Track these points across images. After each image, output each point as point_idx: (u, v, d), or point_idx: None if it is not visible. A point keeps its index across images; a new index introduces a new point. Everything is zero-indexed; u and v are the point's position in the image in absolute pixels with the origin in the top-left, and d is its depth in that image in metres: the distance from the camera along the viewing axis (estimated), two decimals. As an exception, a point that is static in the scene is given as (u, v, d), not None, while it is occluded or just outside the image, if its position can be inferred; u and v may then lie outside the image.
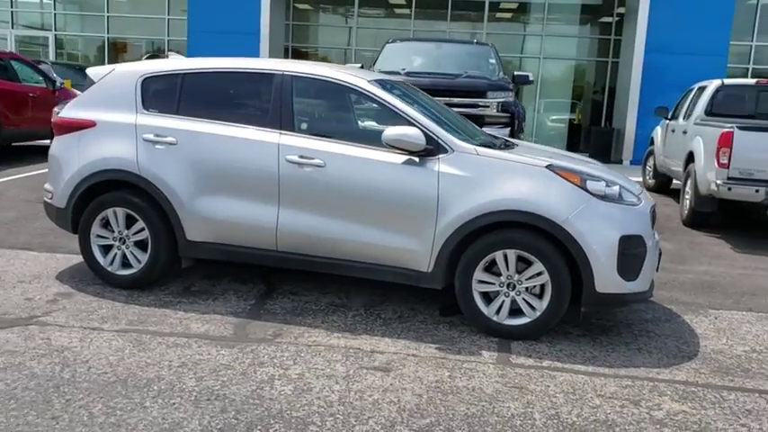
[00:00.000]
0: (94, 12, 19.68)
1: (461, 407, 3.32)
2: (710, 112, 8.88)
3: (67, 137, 4.91)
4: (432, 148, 4.30)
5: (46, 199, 5.09)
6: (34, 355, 3.65)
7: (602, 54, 18.56)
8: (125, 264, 4.83)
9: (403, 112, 4.44)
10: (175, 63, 4.96)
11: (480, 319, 4.30)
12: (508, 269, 4.21)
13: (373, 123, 5.09)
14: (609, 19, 18.41)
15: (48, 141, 10.32)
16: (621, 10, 17.77)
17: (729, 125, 7.42)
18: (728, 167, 7.28)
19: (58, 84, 11.71)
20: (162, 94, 4.86)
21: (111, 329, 4.08)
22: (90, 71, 5.15)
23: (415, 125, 4.35)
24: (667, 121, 10.67)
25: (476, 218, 4.17)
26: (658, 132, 11.20)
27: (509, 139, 6.19)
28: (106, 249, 4.86)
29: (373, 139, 4.55)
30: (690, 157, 8.43)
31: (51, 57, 19.37)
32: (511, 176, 4.24)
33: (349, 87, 4.63)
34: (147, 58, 11.04)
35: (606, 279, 4.11)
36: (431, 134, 4.33)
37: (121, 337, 3.97)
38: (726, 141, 7.29)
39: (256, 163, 4.52)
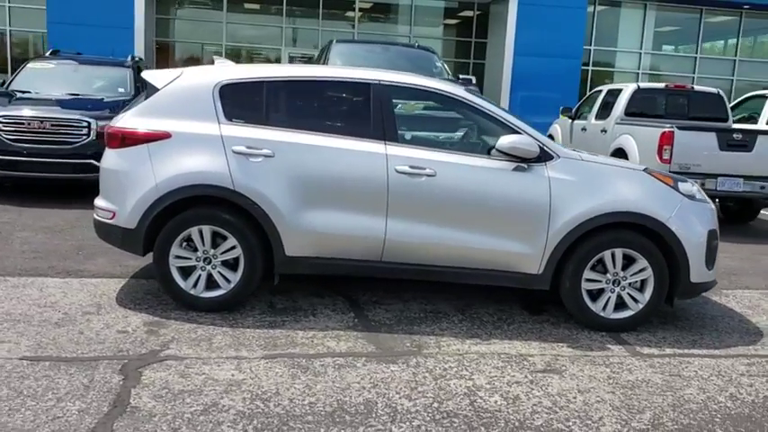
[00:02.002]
0: None
1: (657, 399, 3.58)
2: (629, 112, 9.88)
3: (133, 150, 4.44)
4: (541, 155, 4.49)
5: (102, 219, 4.56)
6: (215, 392, 3.34)
7: (463, 56, 19.62)
8: (208, 286, 4.48)
9: (508, 121, 4.59)
10: (254, 70, 4.68)
11: (589, 315, 4.57)
12: (614, 267, 4.53)
13: (459, 132, 5.16)
14: (470, 21, 19.47)
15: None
16: (480, 13, 18.90)
17: (669, 125, 8.35)
18: (671, 162, 8.20)
19: None
20: (245, 104, 4.57)
21: (254, 357, 3.81)
22: (149, 76, 4.68)
23: (521, 133, 4.52)
24: (571, 121, 11.64)
25: (589, 219, 4.43)
26: (558, 131, 12.17)
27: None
28: (184, 271, 4.47)
29: (474, 147, 4.64)
30: (617, 154, 9.32)
31: None
32: (614, 180, 4.56)
33: (449, 97, 4.67)
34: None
35: (698, 270, 4.57)
36: (538, 141, 4.52)
37: (275, 363, 3.73)
38: (668, 139, 8.20)
39: (364, 174, 4.42)
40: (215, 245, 4.44)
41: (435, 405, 3.34)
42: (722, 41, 21.97)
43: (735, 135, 8.35)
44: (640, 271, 4.53)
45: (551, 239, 4.46)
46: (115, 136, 4.49)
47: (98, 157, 7.67)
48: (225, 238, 4.42)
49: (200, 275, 4.46)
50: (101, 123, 7.88)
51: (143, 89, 9.18)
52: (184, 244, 4.44)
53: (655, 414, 3.40)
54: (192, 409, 3.15)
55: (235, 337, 4.10)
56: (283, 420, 3.10)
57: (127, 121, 4.51)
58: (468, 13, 19.38)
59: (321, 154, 4.42)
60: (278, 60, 18.39)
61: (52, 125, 7.92)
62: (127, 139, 4.45)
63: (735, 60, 21.39)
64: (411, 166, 4.42)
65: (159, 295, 4.75)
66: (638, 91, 9.97)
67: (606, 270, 4.54)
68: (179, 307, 4.51)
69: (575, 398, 3.53)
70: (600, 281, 4.55)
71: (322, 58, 9.17)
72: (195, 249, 4.45)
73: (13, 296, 4.59)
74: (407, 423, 3.14)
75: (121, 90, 9.03)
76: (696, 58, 21.11)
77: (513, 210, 4.46)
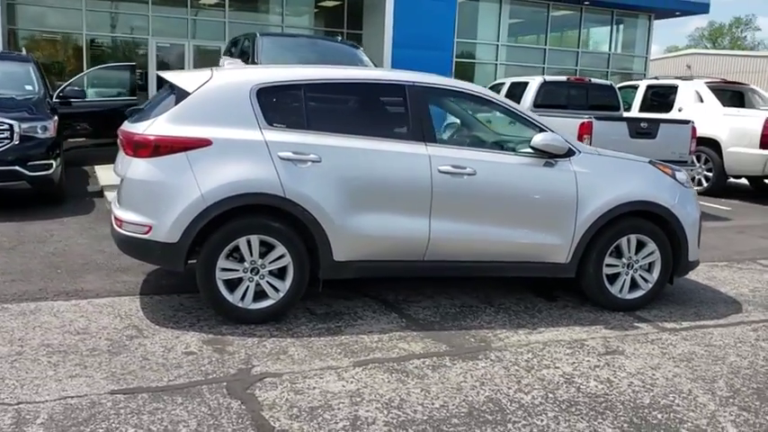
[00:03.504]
0: None
1: (715, 368, 4.01)
2: (537, 104, 10.55)
3: (169, 158, 4.15)
4: (567, 151, 4.79)
5: (132, 234, 4.21)
6: (345, 405, 3.28)
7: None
8: (255, 297, 4.33)
9: (534, 120, 4.83)
10: (289, 72, 4.54)
11: (609, 298, 4.96)
12: (629, 251, 4.95)
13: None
14: (342, 10, 19.54)
15: None
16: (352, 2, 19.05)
17: (587, 116, 9.06)
18: (589, 150, 8.89)
19: None
20: (284, 107, 4.44)
21: (346, 365, 3.76)
22: (175, 79, 4.38)
23: (548, 131, 4.78)
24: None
25: (611, 209, 4.79)
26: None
27: None
28: (229, 284, 4.28)
29: (501, 145, 4.84)
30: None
31: None
32: (628, 172, 4.97)
33: (480, 97, 4.83)
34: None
35: (693, 250, 5.12)
36: (564, 138, 4.82)
37: (372, 369, 3.71)
38: (587, 129, 8.90)
39: (409, 175, 4.47)
40: (262, 254, 4.28)
41: (551, 396, 3.52)
42: (567, 33, 23.82)
43: (642, 124, 9.22)
44: (650, 254, 4.98)
45: (578, 230, 4.77)
46: (146, 144, 4.17)
47: (22, 163, 7.03)
48: (272, 247, 4.28)
49: (247, 287, 4.29)
50: (24, 126, 7.14)
51: (46, 86, 8.43)
52: (230, 256, 4.24)
53: (727, 382, 3.81)
54: (339, 426, 3.09)
55: (307, 347, 4.00)
56: (435, 426, 3.13)
57: (158, 128, 4.20)
58: (339, 2, 19.44)
59: (367, 157, 4.40)
60: (144, 51, 17.39)
61: (-34, 129, 7.05)
62: (162, 148, 4.15)
63: (578, 52, 23.28)
64: (453, 166, 4.52)
65: (191, 310, 4.50)
66: (545, 84, 10.67)
67: (621, 255, 4.94)
68: (223, 321, 4.30)
69: (653, 375, 3.86)
70: (617, 265, 4.95)
71: (251, 54, 8.88)
72: (241, 260, 4.26)
73: (30, 325, 4.14)
74: (544, 416, 3.29)
75: (29, 88, 8.18)
76: (545, 49, 22.71)
77: (546, 203, 4.72)
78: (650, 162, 5.13)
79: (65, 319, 4.27)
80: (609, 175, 4.87)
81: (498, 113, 4.96)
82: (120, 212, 4.30)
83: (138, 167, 4.20)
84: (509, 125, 5.05)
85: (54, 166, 7.33)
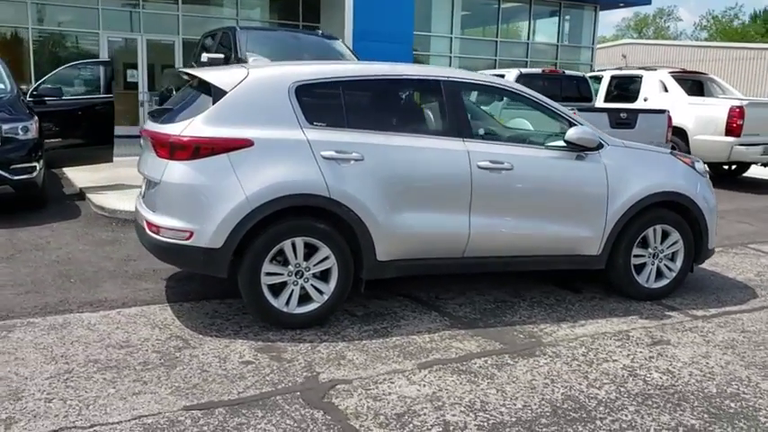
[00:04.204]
0: None
1: (761, 353, 4.11)
2: (514, 96, 10.61)
3: (210, 161, 3.98)
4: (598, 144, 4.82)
5: (172, 240, 4.03)
6: (428, 409, 3.22)
7: (292, 39, 19.39)
8: (300, 301, 4.21)
9: (565, 114, 4.84)
10: (327, 68, 4.42)
11: (637, 288, 5.03)
12: (655, 241, 5.03)
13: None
14: (297, 3, 19.24)
15: None
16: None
17: (570, 107, 9.16)
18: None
19: None
20: (323, 105, 4.31)
21: (411, 368, 3.68)
22: (209, 77, 4.19)
23: (578, 125, 4.80)
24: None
25: (640, 200, 4.85)
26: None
27: None
28: (272, 288, 4.14)
29: (533, 139, 4.84)
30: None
31: None
32: (654, 163, 5.04)
33: (515, 93, 4.82)
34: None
35: (712, 238, 5.24)
36: (594, 131, 4.85)
37: (439, 372, 3.65)
38: (571, 121, 9.02)
39: (450, 172, 4.42)
40: (305, 257, 4.16)
41: (622, 390, 3.53)
42: (517, 25, 24.13)
43: (621, 114, 9.42)
44: (674, 243, 5.07)
45: (609, 222, 4.81)
46: (185, 146, 3.98)
47: (5, 166, 6.65)
48: (315, 249, 4.16)
49: (292, 291, 4.16)
50: (6, 127, 6.76)
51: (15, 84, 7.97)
52: (273, 259, 4.10)
53: (777, 366, 3.92)
54: (433, 432, 3.03)
55: (363, 351, 3.91)
56: (527, 427, 3.10)
57: (197, 128, 4.01)
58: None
59: (409, 154, 4.33)
60: (95, 45, 16.72)
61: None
62: (202, 150, 3.97)
63: (528, 44, 23.61)
64: (491, 161, 4.49)
65: (227, 317, 4.35)
66: (522, 76, 10.77)
67: (647, 245, 5.02)
68: (266, 327, 4.17)
69: (707, 363, 3.93)
70: (644, 255, 5.02)
71: (232, 48, 8.62)
72: (285, 264, 4.13)
73: (67, 340, 3.91)
74: (626, 410, 3.30)
75: (1, 86, 7.73)
76: (497, 42, 22.94)
77: (579, 196, 4.74)
78: (672, 153, 5.22)
79: (101, 331, 4.05)
80: (636, 166, 4.93)
81: (531, 108, 4.94)
82: (156, 218, 4.10)
83: (176, 170, 4.01)
84: (535, 119, 5.04)
85: (38, 168, 6.97)
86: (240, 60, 8.30)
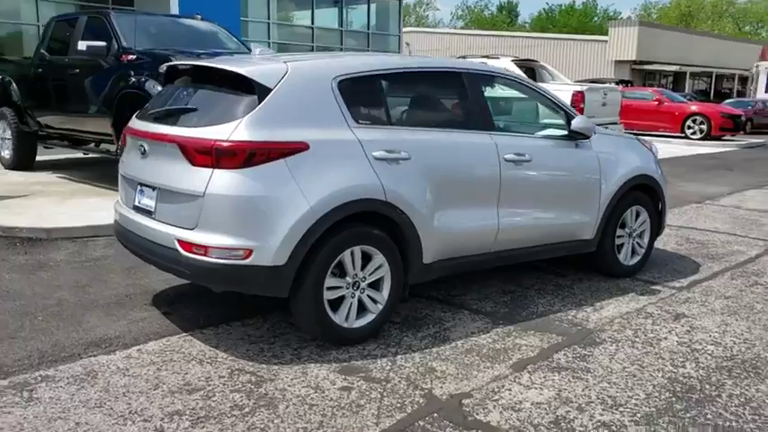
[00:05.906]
0: None
1: (763, 316, 4.59)
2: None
3: (265, 168, 3.51)
4: (591, 132, 5.03)
5: (227, 261, 3.48)
6: (565, 410, 3.18)
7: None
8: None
9: (563, 105, 4.98)
10: (367, 60, 4.15)
11: (619, 267, 5.36)
12: (632, 221, 5.40)
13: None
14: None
15: None
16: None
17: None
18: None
19: None
20: (365, 101, 4.02)
21: (507, 373, 3.59)
22: (247, 71, 3.66)
23: (577, 115, 4.97)
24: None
25: (624, 183, 5.15)
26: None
27: None
28: (331, 303, 3.80)
29: (525, 128, 4.98)
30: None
31: None
32: (627, 148, 5.37)
33: (521, 83, 4.83)
34: None
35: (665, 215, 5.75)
36: (587, 121, 5.05)
37: (533, 372, 3.60)
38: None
39: (485, 166, 4.37)
40: (361, 266, 3.87)
41: (702, 364, 3.75)
42: (330, 11, 24.18)
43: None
44: (643, 222, 5.47)
45: (602, 206, 5.06)
46: (237, 152, 3.47)
47: None
48: (370, 257, 3.89)
49: (351, 304, 3.85)
50: None
51: None
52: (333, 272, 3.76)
53: (787, 330, 4.41)
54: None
55: (443, 360, 3.73)
56: (673, 415, 3.18)
57: (247, 132, 3.51)
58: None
59: (451, 151, 4.20)
60: None
61: None
62: (257, 156, 3.49)
63: (341, 31, 23.79)
64: (515, 154, 4.50)
65: (269, 340, 3.93)
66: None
67: (625, 225, 5.36)
68: (323, 345, 3.84)
69: (735, 331, 4.31)
70: (623, 235, 5.36)
71: (111, 36, 7.53)
72: (342, 276, 3.80)
73: (113, 392, 3.24)
74: (726, 385, 3.51)
75: None
76: (313, 28, 22.83)
77: (582, 183, 4.93)
78: (636, 138, 5.60)
79: (145, 376, 3.42)
80: (617, 152, 5.22)
81: (533, 98, 5.01)
82: (199, 236, 3.52)
83: (226, 181, 3.48)
84: (525, 109, 5.12)
85: None
86: (125, 50, 7.37)
